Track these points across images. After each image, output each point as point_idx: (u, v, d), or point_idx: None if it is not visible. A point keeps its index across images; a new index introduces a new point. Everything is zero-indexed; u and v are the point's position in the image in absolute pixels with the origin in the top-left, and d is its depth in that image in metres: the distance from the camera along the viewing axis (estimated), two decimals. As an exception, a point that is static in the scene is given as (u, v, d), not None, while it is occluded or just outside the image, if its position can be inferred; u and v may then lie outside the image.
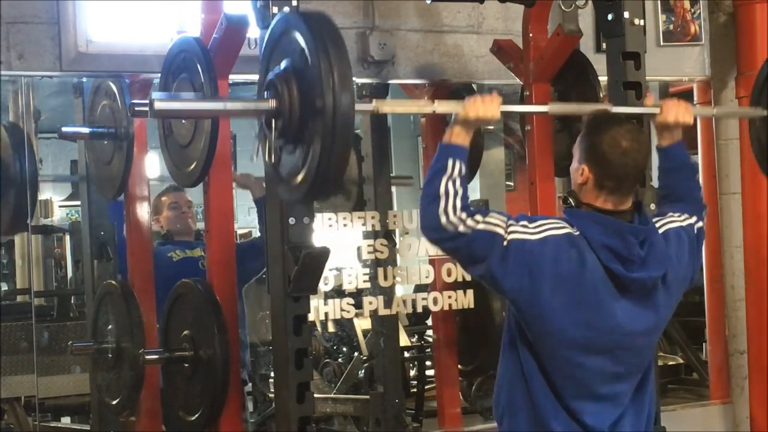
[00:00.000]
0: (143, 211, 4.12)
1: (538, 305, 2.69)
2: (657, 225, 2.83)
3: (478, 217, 2.70)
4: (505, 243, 2.68)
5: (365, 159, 4.68)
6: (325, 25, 2.62)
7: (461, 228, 2.68)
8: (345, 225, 4.13)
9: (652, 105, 3.08)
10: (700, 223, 2.96)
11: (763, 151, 3.68)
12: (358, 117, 4.62)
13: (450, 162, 2.73)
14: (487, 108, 2.80)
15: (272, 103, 2.68)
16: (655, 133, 3.09)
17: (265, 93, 2.71)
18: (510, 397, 2.82)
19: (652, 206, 3.19)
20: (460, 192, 2.70)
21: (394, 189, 4.97)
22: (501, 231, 2.69)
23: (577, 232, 2.72)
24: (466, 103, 2.79)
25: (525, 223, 2.72)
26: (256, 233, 5.34)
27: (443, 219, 2.69)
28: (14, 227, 4.49)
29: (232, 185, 3.83)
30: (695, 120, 5.07)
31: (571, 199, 2.83)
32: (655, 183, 3.15)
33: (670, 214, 2.91)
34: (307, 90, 2.60)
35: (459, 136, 2.78)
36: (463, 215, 2.69)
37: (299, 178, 2.67)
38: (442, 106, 2.95)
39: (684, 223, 2.89)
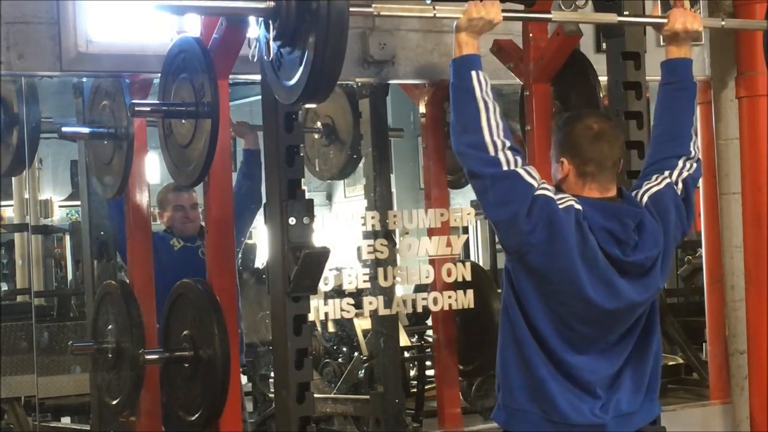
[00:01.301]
0: (143, 211, 4.12)
1: (552, 263, 2.70)
2: (646, 190, 2.85)
3: (519, 159, 2.70)
4: (535, 195, 2.69)
5: (365, 158, 4.68)
6: None
7: (501, 155, 2.67)
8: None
9: (660, 15, 3.04)
10: (686, 170, 2.91)
11: None
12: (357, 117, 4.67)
13: (473, 74, 2.72)
14: (489, 9, 2.79)
15: (269, 3, 2.75)
16: (664, 48, 3.04)
17: None
18: (504, 363, 2.85)
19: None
20: (501, 123, 2.70)
21: (394, 189, 4.97)
22: (534, 183, 2.71)
23: (582, 214, 2.73)
24: (469, 6, 2.78)
25: (553, 189, 2.74)
26: (257, 233, 5.34)
27: (487, 136, 2.67)
28: (14, 168, 4.49)
29: (232, 185, 3.82)
30: (695, 114, 5.11)
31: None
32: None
33: (646, 183, 2.90)
34: None
35: (468, 45, 2.77)
36: (507, 142, 2.69)
37: (296, 77, 2.73)
38: (442, 11, 2.94)
39: (661, 186, 2.88)
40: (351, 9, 2.69)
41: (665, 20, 3.01)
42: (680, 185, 2.90)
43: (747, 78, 4.87)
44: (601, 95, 4.00)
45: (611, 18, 3.30)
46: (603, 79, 3.93)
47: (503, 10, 2.86)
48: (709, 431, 4.99)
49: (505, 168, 2.68)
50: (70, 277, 7.70)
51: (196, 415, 3.56)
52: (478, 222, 7.52)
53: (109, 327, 4.07)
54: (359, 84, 4.47)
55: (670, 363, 5.91)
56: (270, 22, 2.77)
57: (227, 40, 3.41)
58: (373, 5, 2.92)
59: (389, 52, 4.26)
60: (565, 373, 2.75)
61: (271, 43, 2.78)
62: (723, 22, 3.75)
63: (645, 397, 2.84)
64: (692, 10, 4.87)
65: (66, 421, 6.05)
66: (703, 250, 5.22)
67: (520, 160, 2.71)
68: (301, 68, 2.70)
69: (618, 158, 2.84)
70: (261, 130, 3.61)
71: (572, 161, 2.78)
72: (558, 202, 2.71)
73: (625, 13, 3.39)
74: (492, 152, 2.68)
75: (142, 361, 3.70)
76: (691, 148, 2.96)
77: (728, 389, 5.10)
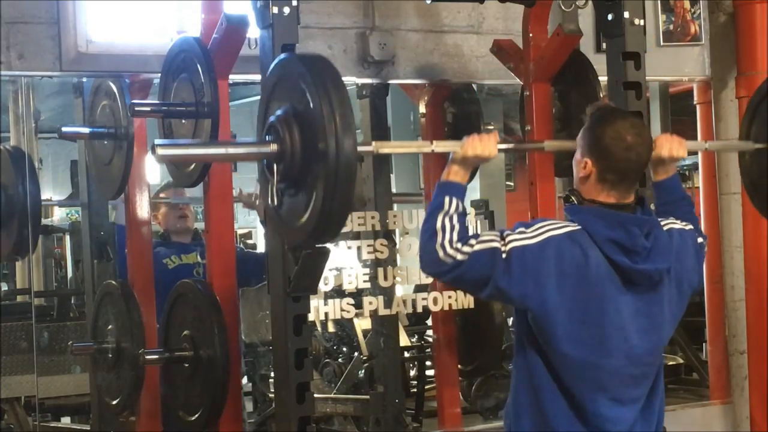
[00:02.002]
0: (143, 211, 4.12)
1: (547, 307, 2.68)
2: (661, 223, 2.84)
3: (472, 241, 2.71)
4: (504, 255, 2.68)
5: (365, 158, 4.68)
6: (325, 68, 2.63)
7: (459, 257, 2.70)
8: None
9: None
10: (701, 239, 2.98)
11: (753, 184, 3.66)
12: (357, 116, 4.67)
13: (447, 199, 2.75)
14: (485, 146, 2.82)
15: (273, 147, 2.66)
16: (651, 168, 3.10)
17: (266, 136, 2.69)
18: (516, 405, 2.81)
19: (652, 206, 3.19)
20: (457, 227, 2.72)
21: (394, 189, 4.97)
22: (497, 245, 2.70)
23: (579, 228, 2.71)
24: (464, 142, 2.82)
25: (522, 229, 2.72)
26: (256, 233, 5.35)
27: (440, 253, 2.70)
28: (17, 252, 4.46)
29: (232, 185, 3.82)
30: (695, 115, 5.12)
31: (573, 197, 2.83)
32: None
33: (672, 218, 2.92)
34: (308, 133, 2.60)
35: (457, 175, 2.81)
36: (459, 245, 2.71)
37: (302, 221, 2.66)
38: (440, 146, 2.98)
39: (686, 228, 2.91)
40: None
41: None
42: (699, 240, 2.94)
43: (747, 78, 4.87)
44: (601, 95, 4.01)
45: None
46: (603, 79, 3.93)
47: (500, 142, 2.88)
48: (709, 431, 4.99)
49: (466, 259, 2.70)
50: (70, 277, 7.69)
51: (196, 415, 3.56)
52: (478, 222, 7.51)
53: (109, 327, 4.07)
54: (359, 84, 4.48)
55: (670, 363, 5.91)
56: (274, 165, 2.69)
57: (227, 40, 3.42)
58: (373, 143, 2.93)
59: (389, 52, 4.26)
60: (584, 421, 2.74)
61: (275, 186, 2.71)
62: (706, 145, 4.05)
63: None
64: (692, 11, 4.89)
65: (66, 421, 6.04)
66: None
67: (473, 241, 2.70)
68: (308, 212, 2.63)
69: (643, 168, 2.84)
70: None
71: (596, 165, 2.76)
72: (533, 240, 2.70)
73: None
74: (450, 261, 2.71)
75: (142, 361, 3.70)
76: (704, 240, 3.01)
77: (728, 389, 5.11)
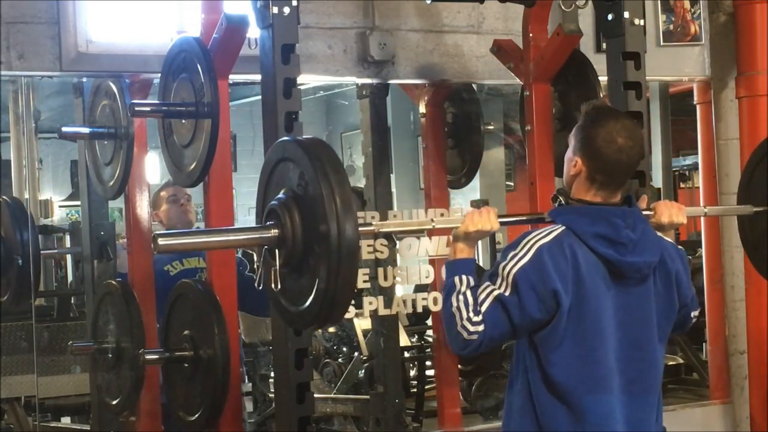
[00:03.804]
0: (143, 211, 4.12)
1: (561, 309, 2.70)
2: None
3: (479, 308, 2.73)
4: (508, 291, 2.71)
5: (365, 158, 4.68)
6: (323, 151, 2.61)
7: (480, 328, 2.72)
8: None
9: (646, 207, 3.07)
10: (695, 313, 2.99)
11: (753, 246, 3.64)
12: (357, 116, 4.67)
13: (457, 279, 2.78)
14: (485, 221, 2.84)
15: (274, 232, 2.64)
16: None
17: (267, 221, 2.67)
18: (519, 413, 2.82)
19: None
20: (470, 301, 2.74)
21: (394, 189, 4.97)
22: (496, 291, 2.73)
23: (563, 229, 2.73)
24: (465, 218, 2.84)
25: (512, 253, 2.75)
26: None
27: (465, 335, 2.73)
28: (15, 305, 4.45)
29: (232, 185, 3.82)
30: (695, 114, 5.12)
31: (561, 197, 2.85)
32: (655, 184, 3.16)
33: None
34: (309, 217, 2.58)
35: (463, 252, 2.85)
36: (475, 318, 2.73)
37: (306, 304, 2.64)
38: (441, 222, 3.02)
39: (678, 248, 2.94)
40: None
41: (651, 213, 3.04)
42: (688, 270, 2.95)
43: (747, 78, 4.88)
44: (601, 95, 4.01)
45: None
46: (603, 79, 3.93)
47: (500, 216, 2.89)
48: (709, 431, 4.99)
49: (484, 326, 2.72)
50: (70, 277, 7.69)
51: (196, 415, 3.56)
52: (478, 222, 7.51)
53: (109, 327, 4.07)
54: (359, 84, 4.48)
55: (670, 363, 5.91)
56: (276, 250, 2.66)
57: (227, 40, 3.42)
58: (374, 223, 2.96)
59: (389, 52, 4.26)
60: (583, 421, 2.75)
61: (278, 271, 2.68)
62: (706, 210, 3.93)
63: None
64: (692, 11, 4.89)
65: (66, 421, 6.04)
66: (703, 250, 5.22)
67: (478, 306, 2.73)
68: (312, 297, 2.60)
69: (633, 170, 2.85)
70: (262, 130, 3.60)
71: (586, 164, 2.78)
72: (527, 258, 2.71)
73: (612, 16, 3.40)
74: (474, 338, 2.73)
75: (142, 361, 3.70)
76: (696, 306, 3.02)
77: (728, 389, 5.11)
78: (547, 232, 2.75)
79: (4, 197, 4.34)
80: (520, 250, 2.73)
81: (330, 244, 2.50)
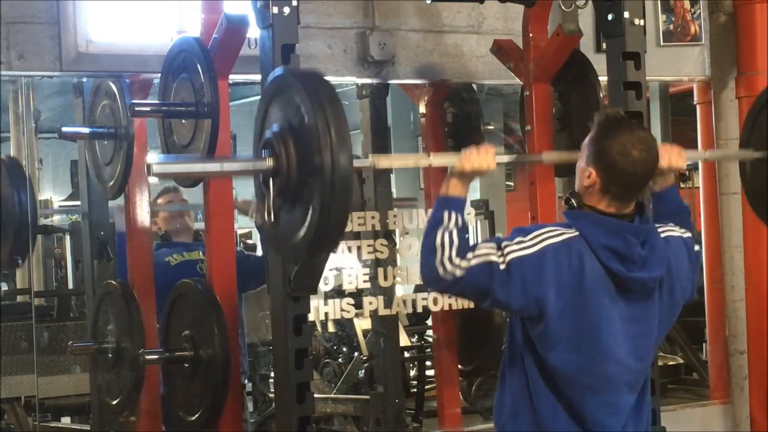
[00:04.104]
0: (143, 211, 4.12)
1: (546, 315, 2.69)
2: (659, 230, 2.84)
3: (469, 255, 2.71)
4: (502, 267, 2.68)
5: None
6: (320, 83, 2.62)
7: (458, 273, 2.70)
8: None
9: None
10: (697, 247, 2.97)
11: (754, 193, 3.65)
12: (357, 116, 4.67)
13: (446, 214, 2.75)
14: (483, 160, 2.81)
15: (269, 162, 2.66)
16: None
17: (262, 152, 2.69)
18: (514, 411, 2.82)
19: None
20: (456, 242, 2.71)
21: (394, 189, 4.97)
22: (494, 258, 2.70)
23: (576, 234, 2.71)
24: (462, 156, 2.81)
25: (520, 238, 2.72)
26: (256, 233, 5.34)
27: (440, 270, 2.71)
28: (13, 263, 4.46)
29: (232, 185, 3.82)
30: (695, 114, 5.12)
31: (573, 200, 2.83)
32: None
33: (671, 224, 2.92)
34: (304, 148, 2.59)
35: (456, 189, 2.81)
36: (457, 260, 2.71)
37: (299, 236, 2.65)
38: (438, 159, 2.99)
39: (684, 235, 2.91)
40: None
41: None
42: (694, 248, 2.94)
43: (747, 78, 4.87)
44: (601, 95, 4.01)
45: None
46: (603, 79, 3.93)
47: (498, 155, 2.87)
48: (709, 431, 4.99)
49: (465, 274, 2.70)
50: (70, 277, 7.69)
51: (196, 415, 3.56)
52: (478, 222, 7.51)
53: (109, 327, 4.07)
54: (359, 84, 4.48)
55: (670, 363, 5.91)
56: (270, 180, 2.68)
57: (227, 40, 3.42)
58: (370, 156, 2.95)
59: (389, 52, 4.26)
60: (579, 424, 2.75)
61: (272, 202, 2.70)
62: (706, 154, 3.88)
63: None
64: (692, 11, 4.89)
65: (66, 421, 6.05)
66: (703, 250, 5.22)
67: (470, 255, 2.70)
68: (306, 226, 2.62)
69: (647, 182, 2.84)
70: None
71: (601, 176, 2.74)
72: (531, 250, 2.70)
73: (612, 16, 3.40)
74: (450, 278, 2.71)
75: (142, 361, 3.70)
76: (699, 248, 3.01)
77: (728, 389, 5.11)
78: (560, 232, 2.73)
79: (1, 156, 4.36)
80: (528, 241, 2.71)
81: (323, 176, 2.51)
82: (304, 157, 2.59)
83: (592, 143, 2.78)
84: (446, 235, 2.72)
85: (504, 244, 2.71)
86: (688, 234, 2.93)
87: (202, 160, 3.22)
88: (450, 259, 2.70)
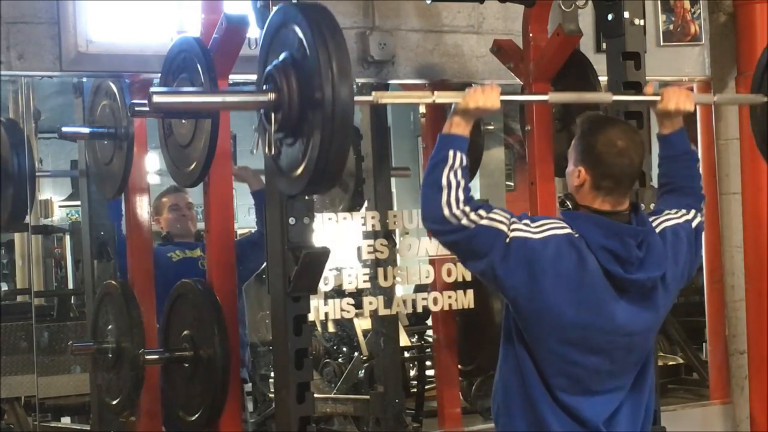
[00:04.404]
0: (143, 211, 4.12)
1: (537, 303, 2.68)
2: (654, 224, 2.83)
3: (482, 212, 2.68)
4: (507, 240, 2.67)
5: (365, 158, 4.68)
6: (323, 16, 2.61)
7: (464, 221, 2.67)
8: (345, 219, 4.16)
9: (653, 93, 3.06)
10: (699, 217, 2.94)
11: (764, 139, 3.66)
12: (357, 116, 4.67)
13: (450, 153, 2.71)
14: (487, 98, 2.78)
15: (271, 96, 2.66)
16: (656, 121, 3.08)
17: (264, 86, 2.69)
18: (506, 394, 2.82)
19: (652, 206, 3.19)
20: (462, 183, 2.69)
21: (394, 189, 4.97)
22: (504, 228, 2.68)
23: (577, 234, 2.72)
24: (466, 94, 2.78)
25: (527, 222, 2.72)
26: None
27: (446, 211, 2.67)
28: (12, 224, 4.49)
29: (232, 185, 3.83)
30: (696, 114, 5.12)
31: (568, 202, 2.83)
32: (655, 183, 3.15)
33: (666, 211, 2.90)
34: (306, 82, 2.58)
35: (459, 126, 2.76)
36: (466, 208, 2.68)
37: (299, 170, 2.66)
38: (442, 97, 2.92)
39: (681, 220, 2.88)
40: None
41: (659, 98, 3.02)
42: (694, 226, 2.91)
43: (747, 78, 4.85)
44: (601, 95, 4.00)
45: (606, 97, 3.35)
46: (603, 79, 3.93)
47: (502, 93, 2.84)
48: (709, 431, 4.99)
49: (472, 227, 2.68)
50: (70, 277, 7.69)
51: (196, 415, 3.56)
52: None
53: (109, 327, 4.08)
54: (359, 84, 4.47)
55: (670, 363, 5.91)
56: (272, 114, 2.69)
57: (227, 40, 3.42)
58: (373, 93, 2.88)
59: (389, 52, 4.26)
60: (567, 412, 2.74)
61: (272, 135, 2.70)
62: (715, 98, 3.84)
63: None
64: (692, 11, 4.89)
65: (66, 421, 6.04)
66: (703, 250, 5.21)
67: (483, 212, 2.69)
68: (306, 160, 2.63)
69: (637, 174, 2.83)
70: (262, 173, 3.62)
71: (590, 172, 2.75)
72: (536, 236, 2.69)
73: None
74: (454, 222, 2.68)
75: (142, 361, 3.70)
76: (702, 205, 3.00)
77: (728, 389, 5.11)
78: (564, 226, 2.73)
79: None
80: (534, 227, 2.70)
81: (324, 109, 2.51)
82: (305, 91, 2.59)
83: (577, 143, 2.80)
84: (452, 175, 2.69)
85: (512, 220, 2.70)
86: (685, 217, 2.89)
87: (203, 93, 3.20)
88: (457, 201, 2.67)
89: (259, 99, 2.70)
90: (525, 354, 2.76)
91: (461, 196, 2.68)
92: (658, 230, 2.82)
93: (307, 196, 3.09)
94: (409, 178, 5.78)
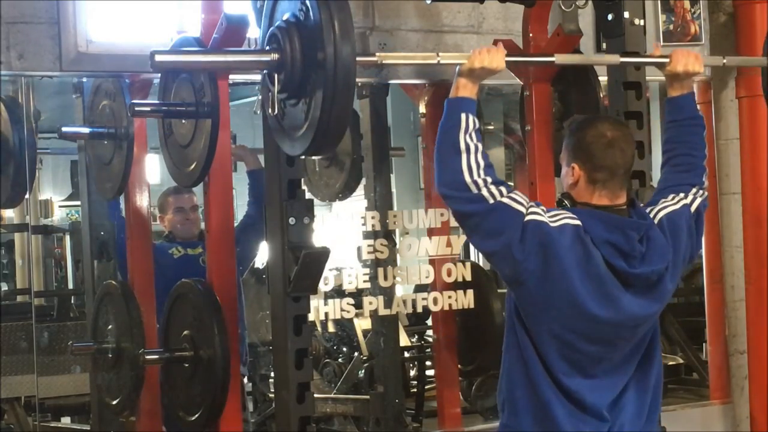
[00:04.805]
0: (143, 211, 4.12)
1: (549, 288, 2.68)
2: (651, 215, 2.83)
3: (503, 189, 2.68)
4: (524, 221, 2.67)
5: (365, 159, 4.68)
6: None
7: (484, 191, 2.66)
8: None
9: (661, 55, 3.05)
10: (699, 197, 2.93)
11: None
12: (357, 113, 4.67)
13: (462, 116, 2.70)
14: (492, 58, 2.77)
15: (274, 56, 2.66)
16: (666, 84, 3.07)
17: (267, 46, 2.70)
18: (509, 382, 2.82)
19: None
20: (480, 147, 2.68)
21: (394, 189, 4.97)
22: (522, 209, 2.68)
23: (583, 228, 2.72)
24: (472, 54, 2.77)
25: (543, 208, 2.73)
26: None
27: (467, 176, 2.66)
28: (12, 200, 4.50)
29: (232, 185, 3.83)
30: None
31: (566, 201, 2.84)
32: (655, 183, 3.15)
33: (662, 200, 2.89)
34: (308, 42, 2.59)
35: (466, 89, 2.76)
36: (488, 178, 2.67)
37: (302, 131, 2.67)
38: (446, 58, 2.91)
39: (678, 206, 2.87)
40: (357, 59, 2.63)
41: (667, 60, 3.01)
42: (693, 208, 2.90)
43: (747, 78, 4.87)
44: (601, 95, 4.01)
45: (614, 59, 3.34)
46: (603, 79, 3.93)
47: (507, 54, 2.83)
48: (709, 431, 4.99)
49: (490, 201, 2.67)
50: (70, 277, 7.69)
51: (196, 415, 3.56)
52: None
53: (109, 327, 4.07)
54: (359, 84, 4.47)
55: (670, 363, 5.91)
56: (275, 74, 2.69)
57: (227, 40, 3.41)
58: (377, 54, 2.88)
59: (389, 52, 4.25)
60: (570, 398, 2.74)
61: (276, 96, 2.71)
62: (724, 60, 3.79)
63: (647, 419, 2.83)
64: (692, 11, 4.89)
65: (66, 421, 6.05)
66: (703, 250, 5.22)
67: (504, 190, 2.69)
68: (308, 122, 2.63)
69: (630, 165, 2.83)
70: (260, 152, 3.62)
71: (583, 167, 2.76)
72: (551, 223, 2.69)
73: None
74: (474, 190, 2.67)
75: (142, 361, 3.70)
76: (704, 179, 2.99)
77: (728, 389, 5.10)
78: (574, 217, 2.73)
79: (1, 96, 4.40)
80: (550, 215, 2.70)
81: (326, 70, 2.52)
82: (307, 51, 2.59)
83: (567, 142, 2.83)
84: (468, 138, 2.68)
85: (530, 203, 2.71)
86: (684, 201, 2.88)
87: (206, 52, 3.19)
88: (478, 167, 2.66)
89: (261, 59, 2.71)
90: (527, 341, 2.75)
91: (481, 162, 2.67)
92: (655, 221, 2.82)
93: (310, 156, 3.07)
94: (403, 158, 5.76)
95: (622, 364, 2.79)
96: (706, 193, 2.96)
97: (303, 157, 3.12)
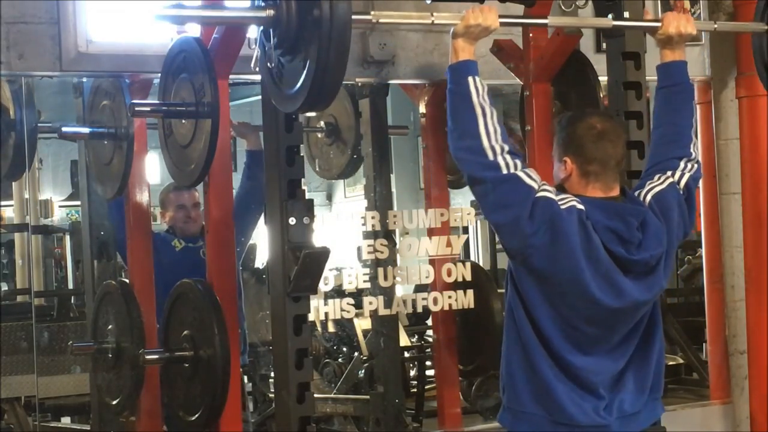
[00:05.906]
0: (143, 211, 4.12)
1: (554, 265, 2.70)
2: (646, 189, 2.85)
3: (518, 162, 2.70)
4: (535, 197, 2.69)
5: (365, 158, 4.68)
6: None
7: (500, 159, 2.67)
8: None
9: (654, 18, 3.05)
10: (687, 172, 2.93)
11: (765, 66, 3.64)
12: (358, 110, 4.67)
13: (470, 79, 2.72)
14: (486, 16, 2.80)
15: (269, 12, 2.68)
16: (659, 52, 3.06)
17: (263, 2, 2.71)
18: (509, 365, 2.84)
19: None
20: (494, 112, 2.70)
21: (394, 189, 4.98)
22: (535, 185, 2.70)
23: (585, 214, 2.73)
24: (467, 13, 2.80)
25: (554, 190, 2.75)
26: (256, 232, 5.33)
27: (485, 140, 2.67)
28: (13, 174, 4.50)
29: (232, 185, 3.83)
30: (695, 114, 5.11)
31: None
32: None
33: (648, 182, 2.90)
34: None
35: (465, 51, 2.78)
36: (505, 146, 2.69)
37: (297, 86, 2.68)
38: (440, 18, 2.93)
39: (664, 185, 2.89)
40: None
41: (659, 24, 3.01)
42: (682, 185, 2.90)
43: (747, 78, 4.87)
44: (601, 95, 4.01)
45: (606, 22, 3.32)
46: (603, 79, 3.93)
47: (500, 16, 2.85)
48: (709, 431, 4.99)
49: (504, 171, 2.68)
50: (70, 277, 7.70)
51: (196, 415, 3.56)
52: (478, 222, 7.51)
53: (109, 327, 4.07)
54: (359, 84, 4.47)
55: (670, 363, 5.91)
56: (270, 30, 2.71)
57: (227, 40, 3.41)
58: (372, 12, 2.90)
59: (389, 52, 4.26)
60: (569, 375, 2.75)
61: (272, 51, 2.73)
62: (715, 25, 3.78)
63: (648, 397, 2.84)
64: (692, 11, 4.89)
65: (66, 421, 6.05)
66: (703, 250, 5.22)
67: (519, 163, 2.71)
68: (303, 77, 2.64)
69: (621, 157, 2.84)
70: (262, 130, 3.61)
71: (575, 160, 2.78)
72: (560, 203, 2.71)
73: (612, 16, 3.41)
74: (491, 156, 2.68)
75: (142, 361, 3.70)
76: (692, 150, 2.97)
77: (728, 389, 5.11)
78: (580, 201, 2.74)
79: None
80: (560, 197, 2.72)
81: (321, 26, 2.53)
82: (303, 7, 2.61)
83: (558, 138, 2.85)
84: (482, 100, 2.71)
85: (542, 182, 2.73)
86: (671, 179, 2.89)
87: (202, 7, 3.20)
88: (495, 133, 2.68)
89: (257, 15, 2.73)
90: (525, 322, 2.77)
91: (498, 128, 2.69)
92: (647, 199, 2.85)
93: (305, 112, 3.08)
94: (403, 159, 5.74)
95: (620, 344, 2.81)
96: (696, 165, 2.95)
97: (302, 117, 3.13)
